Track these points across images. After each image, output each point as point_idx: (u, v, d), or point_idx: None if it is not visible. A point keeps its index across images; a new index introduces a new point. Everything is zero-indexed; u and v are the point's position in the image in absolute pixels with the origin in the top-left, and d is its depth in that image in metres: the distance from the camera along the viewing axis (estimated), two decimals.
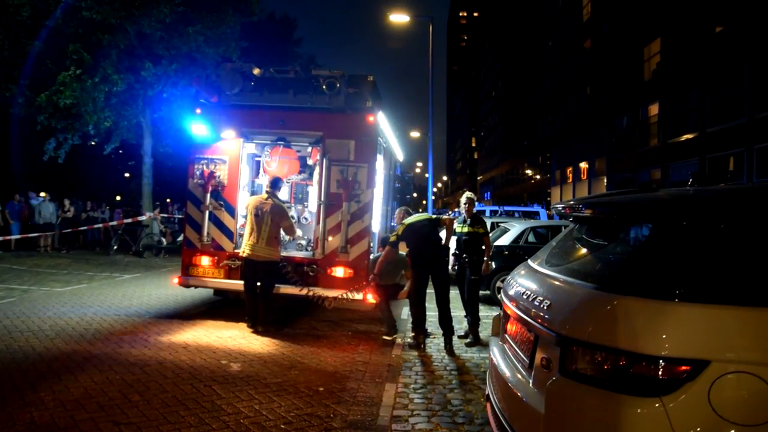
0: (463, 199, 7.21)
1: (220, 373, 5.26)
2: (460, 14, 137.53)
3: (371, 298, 6.96)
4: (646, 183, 26.14)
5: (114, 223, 17.87)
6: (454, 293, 7.31)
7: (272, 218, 6.83)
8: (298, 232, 8.03)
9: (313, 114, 7.43)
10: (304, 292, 7.12)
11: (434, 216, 7.44)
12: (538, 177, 52.42)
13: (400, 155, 11.59)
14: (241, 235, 7.25)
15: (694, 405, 1.99)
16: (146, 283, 11.04)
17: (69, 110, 15.52)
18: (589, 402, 2.17)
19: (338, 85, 7.32)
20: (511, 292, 3.12)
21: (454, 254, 7.27)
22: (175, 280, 7.62)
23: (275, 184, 7.17)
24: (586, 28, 36.72)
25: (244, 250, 6.92)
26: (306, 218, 8.45)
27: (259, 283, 6.98)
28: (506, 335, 3.20)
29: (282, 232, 7.08)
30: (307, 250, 7.90)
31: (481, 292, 7.64)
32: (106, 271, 12.66)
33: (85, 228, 17.83)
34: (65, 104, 14.91)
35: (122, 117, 16.93)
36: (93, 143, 19.48)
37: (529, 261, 3.37)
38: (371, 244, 7.44)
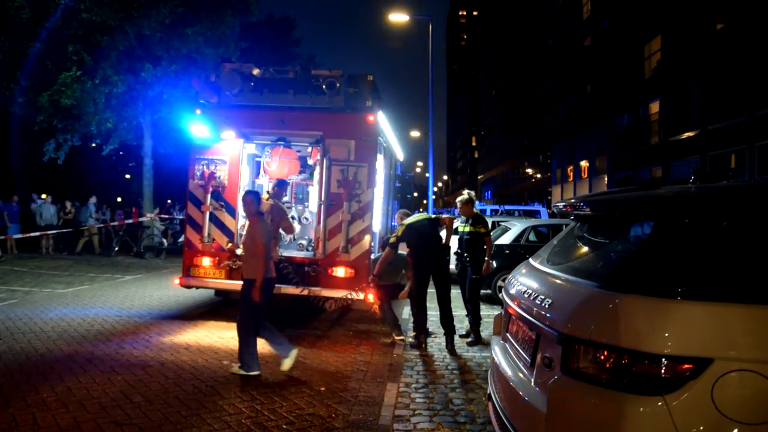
0: (458, 201, 7.21)
1: (221, 373, 5.26)
2: (460, 13, 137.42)
3: (372, 299, 6.95)
4: (648, 181, 26.12)
5: (115, 223, 17.88)
6: (456, 292, 7.30)
7: (272, 218, 6.84)
8: (298, 230, 8.03)
9: (313, 114, 7.42)
10: (305, 292, 7.11)
11: (434, 216, 7.42)
12: (538, 176, 52.40)
13: (400, 155, 11.59)
14: (242, 235, 7.25)
15: (697, 403, 1.98)
16: (147, 284, 11.04)
17: (69, 111, 15.53)
18: (591, 401, 2.16)
19: (338, 84, 7.31)
20: (513, 291, 3.11)
21: (455, 253, 7.26)
22: (176, 281, 7.62)
23: (281, 185, 7.19)
24: (586, 26, 36.70)
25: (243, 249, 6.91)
26: (306, 218, 8.45)
27: None
28: (508, 334, 3.19)
29: (282, 232, 7.09)
30: (308, 250, 7.89)
31: (482, 291, 7.64)
32: (108, 272, 12.66)
33: (85, 227, 17.83)
34: (66, 105, 14.93)
35: (122, 118, 16.92)
36: (94, 145, 19.49)
37: (531, 260, 3.36)
38: (372, 244, 7.43)
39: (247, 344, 5.23)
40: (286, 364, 5.26)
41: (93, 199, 17.78)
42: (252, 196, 5.44)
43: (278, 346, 5.34)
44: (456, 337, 6.71)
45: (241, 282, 5.39)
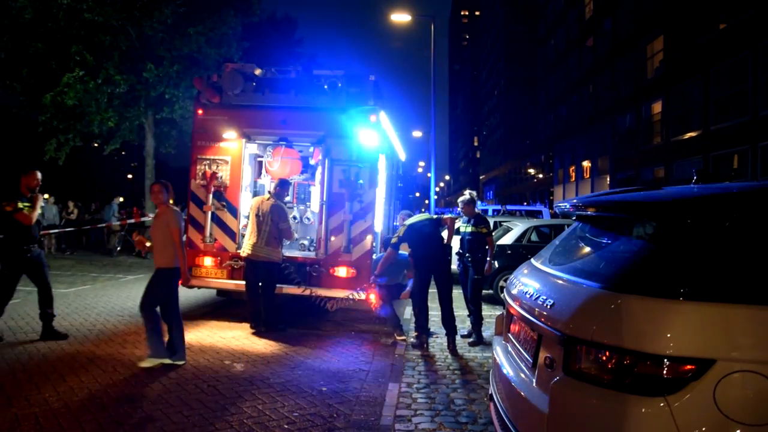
0: (459, 201, 7.21)
1: (223, 373, 5.27)
2: (462, 13, 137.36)
3: (374, 299, 6.95)
4: (650, 181, 26.08)
5: (117, 223, 17.93)
6: (458, 292, 7.30)
7: (271, 218, 6.84)
8: (296, 235, 7.99)
9: (315, 114, 7.42)
10: (307, 292, 7.12)
11: (435, 216, 7.42)
12: (540, 176, 52.35)
13: (402, 154, 11.58)
14: (244, 236, 7.27)
15: (699, 404, 1.97)
16: None
17: (72, 111, 15.58)
18: (593, 402, 2.16)
19: (340, 84, 7.31)
20: (515, 292, 3.11)
21: (457, 253, 7.26)
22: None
23: (283, 185, 7.17)
24: (588, 26, 36.66)
25: (245, 250, 6.94)
26: (308, 218, 8.45)
27: (261, 284, 6.98)
28: (509, 334, 3.19)
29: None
30: (309, 250, 7.89)
31: (484, 291, 7.63)
32: (110, 272, 12.68)
33: (88, 228, 17.90)
34: (68, 105, 14.98)
35: (124, 118, 16.97)
36: (95, 144, 19.55)
37: (533, 260, 3.35)
38: (374, 244, 7.43)
39: (179, 334, 5.44)
40: (147, 362, 5.30)
41: (117, 200, 18.22)
42: (160, 186, 5.46)
43: (154, 345, 5.36)
44: (458, 337, 6.71)
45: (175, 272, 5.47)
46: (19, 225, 6.08)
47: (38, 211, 6.28)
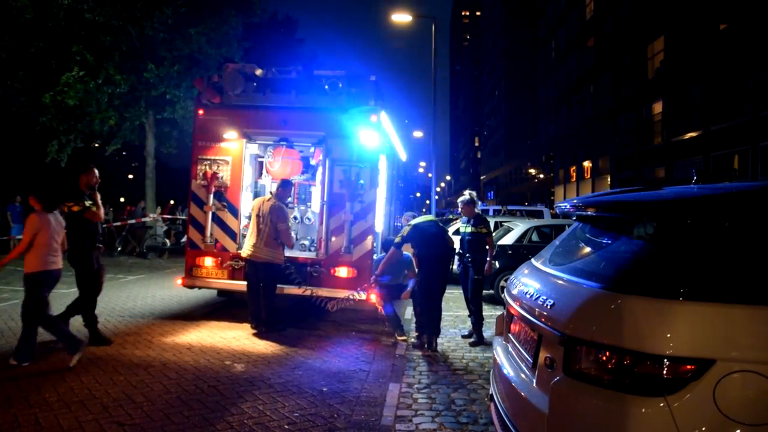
0: (459, 201, 7.21)
1: (223, 373, 5.27)
2: (463, 13, 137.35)
3: (374, 299, 6.95)
4: (651, 181, 26.07)
5: (118, 223, 17.95)
6: (458, 292, 7.29)
7: (270, 219, 6.82)
8: (294, 239, 7.95)
9: (315, 114, 7.43)
10: (308, 293, 7.12)
11: (440, 217, 7.43)
12: (541, 176, 52.34)
13: (403, 155, 11.58)
14: (245, 236, 7.28)
15: (699, 404, 1.97)
16: (150, 284, 11.05)
17: (72, 111, 15.59)
18: (593, 402, 2.16)
19: (340, 85, 7.31)
20: (515, 292, 3.11)
21: (457, 254, 7.26)
22: (179, 281, 7.64)
23: (285, 186, 7.14)
24: (589, 26, 36.66)
25: (245, 250, 6.94)
26: (309, 218, 8.45)
27: (261, 284, 6.98)
28: (510, 335, 3.19)
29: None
30: (310, 250, 7.90)
31: (484, 292, 7.63)
32: (110, 272, 12.65)
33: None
34: (69, 105, 14.99)
35: (125, 118, 16.99)
36: (96, 144, 19.56)
37: (533, 260, 3.35)
38: (375, 244, 7.43)
39: (30, 338, 5.34)
40: (74, 360, 5.25)
41: (142, 203, 18.35)
42: (33, 193, 5.57)
43: (66, 341, 5.36)
44: (458, 338, 6.71)
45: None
46: (87, 225, 6.06)
47: (102, 208, 6.34)
